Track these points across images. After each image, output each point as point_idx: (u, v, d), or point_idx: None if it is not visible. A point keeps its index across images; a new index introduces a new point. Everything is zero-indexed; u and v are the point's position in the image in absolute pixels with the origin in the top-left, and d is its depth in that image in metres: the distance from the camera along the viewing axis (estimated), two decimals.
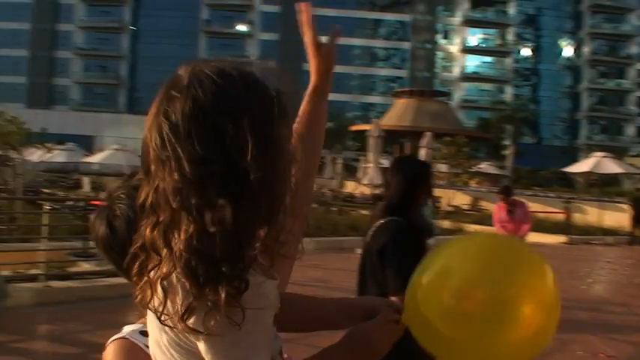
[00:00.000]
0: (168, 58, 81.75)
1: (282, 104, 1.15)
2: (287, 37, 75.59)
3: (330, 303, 1.52)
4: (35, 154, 27.73)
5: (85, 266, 11.19)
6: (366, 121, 47.30)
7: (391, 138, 49.05)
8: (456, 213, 26.24)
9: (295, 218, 1.17)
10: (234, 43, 79.39)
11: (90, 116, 64.98)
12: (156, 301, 1.11)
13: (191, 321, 1.05)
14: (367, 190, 24.52)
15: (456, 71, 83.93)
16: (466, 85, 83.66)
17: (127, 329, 1.50)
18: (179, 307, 1.06)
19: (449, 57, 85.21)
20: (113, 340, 1.50)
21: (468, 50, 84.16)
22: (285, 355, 1.45)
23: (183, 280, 1.05)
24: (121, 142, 51.66)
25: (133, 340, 1.46)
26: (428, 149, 21.98)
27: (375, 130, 21.26)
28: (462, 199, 29.48)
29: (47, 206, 10.78)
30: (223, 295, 1.02)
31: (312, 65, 1.69)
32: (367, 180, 23.47)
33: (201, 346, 1.09)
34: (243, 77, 1.12)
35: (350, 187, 31.49)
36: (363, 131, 27.23)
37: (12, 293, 8.47)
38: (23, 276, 9.53)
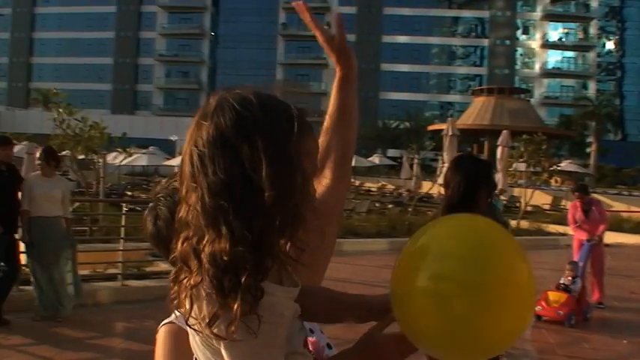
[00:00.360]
0: (247, 62, 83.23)
1: (303, 122, 1.23)
2: (363, 39, 75.55)
3: (349, 297, 1.54)
4: (118, 158, 28.61)
5: (162, 266, 11.48)
6: (445, 120, 46.73)
7: (471, 137, 48.48)
8: (535, 213, 25.70)
9: (309, 230, 1.24)
10: (311, 45, 79.77)
11: (170, 120, 66.52)
12: (186, 306, 1.19)
13: (215, 327, 1.14)
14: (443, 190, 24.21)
15: (536, 67, 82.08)
16: (547, 81, 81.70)
17: (176, 314, 1.61)
18: (205, 314, 1.15)
19: (529, 53, 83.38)
20: (163, 325, 1.65)
21: (549, 45, 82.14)
22: (313, 339, 1.49)
23: (209, 290, 1.14)
24: None
25: (180, 324, 1.57)
26: (504, 147, 21.53)
27: (450, 130, 20.95)
28: (542, 199, 28.82)
29: (125, 208, 11.09)
30: (243, 303, 1.11)
31: (332, 59, 1.75)
32: (442, 179, 23.20)
33: (223, 352, 1.18)
34: (262, 101, 1.22)
35: (427, 187, 31.23)
36: (441, 131, 27.04)
37: (91, 292, 8.81)
38: (102, 275, 9.87)
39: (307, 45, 79.28)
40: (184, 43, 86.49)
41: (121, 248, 10.17)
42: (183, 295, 1.19)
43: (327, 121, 1.75)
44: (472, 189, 3.78)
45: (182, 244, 1.20)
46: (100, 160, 15.11)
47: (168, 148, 49.90)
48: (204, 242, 1.15)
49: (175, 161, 35.08)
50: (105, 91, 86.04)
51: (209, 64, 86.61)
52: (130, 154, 25.40)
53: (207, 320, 1.14)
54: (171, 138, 44.51)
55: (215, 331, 1.14)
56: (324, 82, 79.26)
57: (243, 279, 1.12)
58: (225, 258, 1.12)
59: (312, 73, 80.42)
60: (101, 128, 15.71)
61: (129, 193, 27.19)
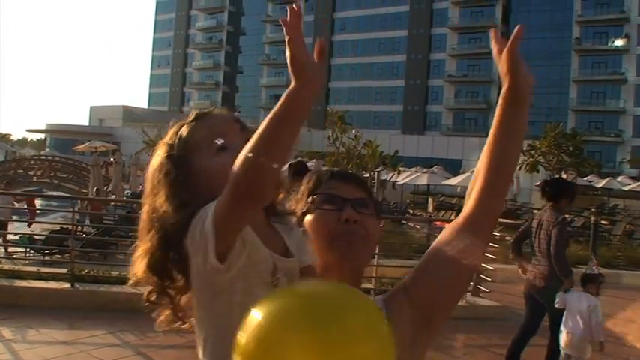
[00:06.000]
0: (538, 79, 79.87)
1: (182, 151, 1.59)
2: None
3: None
4: (387, 176, 29.42)
5: None
6: None
7: None
8: None
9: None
10: (607, 60, 75.13)
11: (457, 140, 66.67)
12: None
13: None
14: None
15: None
16: None
17: None
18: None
19: None
20: None
21: None
22: None
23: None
24: None
25: None
26: None
27: None
28: None
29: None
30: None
31: (502, 70, 1.65)
32: None
33: None
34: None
35: None
36: None
37: None
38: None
39: (603, 60, 74.85)
40: (473, 63, 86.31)
41: (375, 264, 10.29)
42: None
43: (490, 134, 1.67)
44: None
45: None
46: (370, 177, 15.56)
47: (454, 168, 50.01)
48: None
49: (455, 181, 35.02)
50: (396, 112, 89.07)
51: (499, 83, 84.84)
52: (400, 173, 25.79)
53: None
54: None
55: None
56: (623, 99, 74.15)
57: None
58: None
59: (609, 90, 75.53)
60: (374, 147, 16.17)
61: (410, 211, 27.69)
